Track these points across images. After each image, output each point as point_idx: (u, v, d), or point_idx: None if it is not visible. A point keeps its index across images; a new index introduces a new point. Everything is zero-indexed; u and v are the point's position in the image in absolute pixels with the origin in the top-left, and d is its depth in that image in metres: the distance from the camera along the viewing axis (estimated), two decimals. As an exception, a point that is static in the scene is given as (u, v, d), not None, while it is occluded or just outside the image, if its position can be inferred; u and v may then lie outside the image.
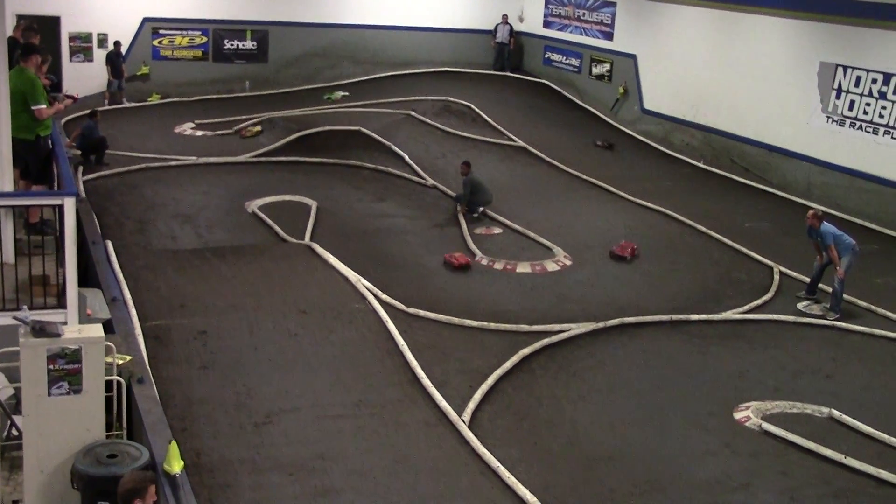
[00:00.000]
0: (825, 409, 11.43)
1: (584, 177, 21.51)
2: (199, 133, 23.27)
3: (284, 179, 19.22)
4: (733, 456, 10.49)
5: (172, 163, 20.24)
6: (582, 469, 10.11)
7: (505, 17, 30.23)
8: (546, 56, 30.06)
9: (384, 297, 13.75)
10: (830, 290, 14.59)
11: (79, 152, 19.73)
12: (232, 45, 27.99)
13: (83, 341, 8.67)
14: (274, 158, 21.01)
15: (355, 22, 29.14)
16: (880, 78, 19.06)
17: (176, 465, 8.21)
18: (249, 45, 28.18)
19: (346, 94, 27.13)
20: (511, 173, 21.67)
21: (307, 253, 15.37)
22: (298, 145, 21.61)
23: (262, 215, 17.31)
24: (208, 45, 27.73)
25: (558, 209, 19.33)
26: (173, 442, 8.45)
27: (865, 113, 19.39)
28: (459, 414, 10.68)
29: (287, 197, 18.49)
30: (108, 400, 9.22)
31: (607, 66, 27.31)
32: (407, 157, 21.50)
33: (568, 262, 16.26)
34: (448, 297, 14.45)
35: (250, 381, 11.24)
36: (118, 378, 9.38)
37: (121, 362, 9.63)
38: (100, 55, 25.80)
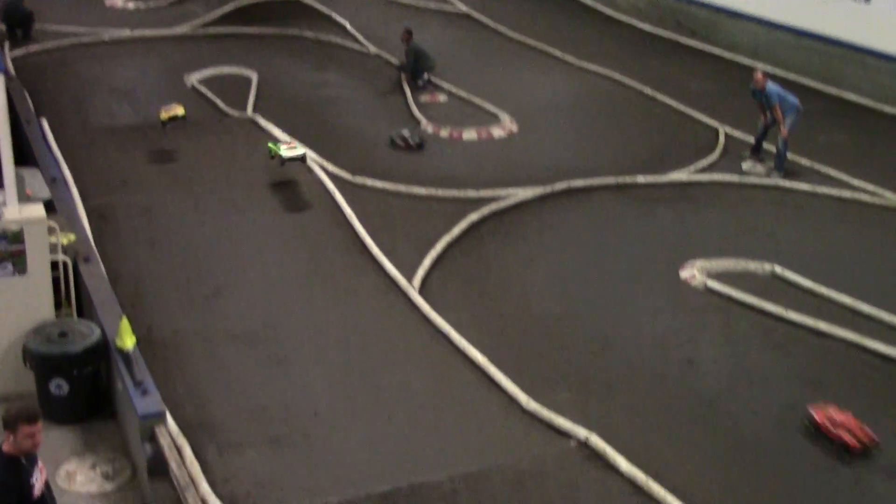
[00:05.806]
0: (768, 266, 11.64)
1: (529, 41, 21.24)
2: (132, 5, 22.54)
3: (223, 51, 18.75)
4: (679, 313, 10.70)
5: (105, 37, 19.65)
6: (532, 329, 10.27)
7: None
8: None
9: (330, 167, 13.65)
10: (774, 149, 14.73)
11: (3, 27, 19.04)
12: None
13: (24, 221, 8.59)
14: (212, 30, 20.48)
15: None
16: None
17: (128, 341, 8.22)
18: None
19: None
20: (455, 40, 21.32)
21: (250, 126, 15.16)
22: (236, 16, 21.06)
23: (203, 89, 16.95)
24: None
25: (503, 75, 19.10)
26: (124, 317, 8.44)
27: (810, -30, 19.23)
28: (409, 280, 10.75)
29: (227, 69, 18.08)
30: (56, 280, 9.16)
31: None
32: (348, 26, 21.09)
33: (514, 128, 16.19)
34: (394, 165, 14.36)
35: (198, 256, 11.21)
36: (64, 257, 9.29)
37: (65, 242, 9.53)
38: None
